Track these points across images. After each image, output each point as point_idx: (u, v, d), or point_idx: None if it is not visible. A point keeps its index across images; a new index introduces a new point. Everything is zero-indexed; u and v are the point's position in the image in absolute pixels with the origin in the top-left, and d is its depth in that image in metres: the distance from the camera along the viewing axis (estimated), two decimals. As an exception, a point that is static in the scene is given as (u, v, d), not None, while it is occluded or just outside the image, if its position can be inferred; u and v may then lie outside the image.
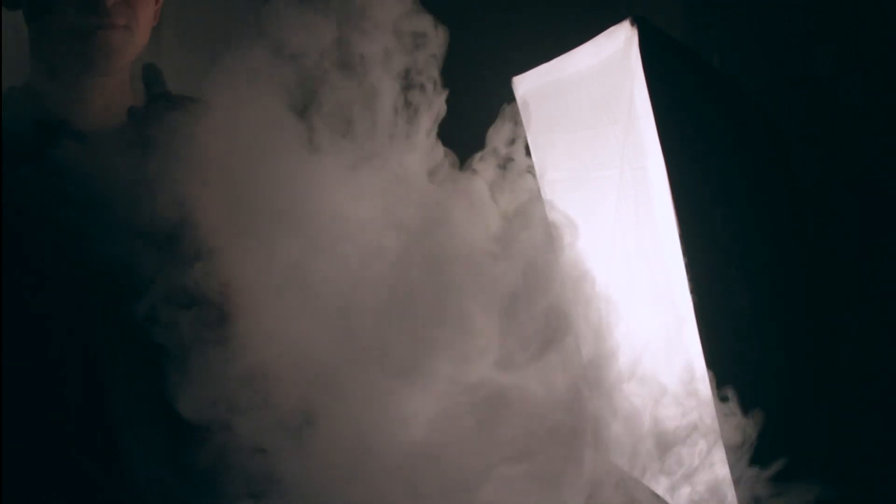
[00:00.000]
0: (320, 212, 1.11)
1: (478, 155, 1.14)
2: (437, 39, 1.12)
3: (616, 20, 1.04)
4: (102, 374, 1.15)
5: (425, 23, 1.11)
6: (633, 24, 1.00)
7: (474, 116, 1.23)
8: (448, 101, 1.19)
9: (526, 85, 1.36)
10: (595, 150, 1.18)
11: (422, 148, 1.13)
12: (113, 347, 1.16)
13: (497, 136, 1.15)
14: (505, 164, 1.15)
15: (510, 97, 1.38)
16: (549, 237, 1.12)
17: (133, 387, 1.16)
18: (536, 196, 1.15)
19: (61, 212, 1.14)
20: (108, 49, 1.16)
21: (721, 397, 1.00)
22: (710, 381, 0.99)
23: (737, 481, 1.01)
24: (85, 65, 1.18)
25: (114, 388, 1.15)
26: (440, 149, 1.14)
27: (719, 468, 1.03)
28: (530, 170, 1.16)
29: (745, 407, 1.00)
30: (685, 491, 1.14)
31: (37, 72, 1.21)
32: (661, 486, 1.21)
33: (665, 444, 1.09)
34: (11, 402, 1.11)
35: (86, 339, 1.15)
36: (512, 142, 1.15)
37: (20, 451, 1.11)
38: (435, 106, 1.13)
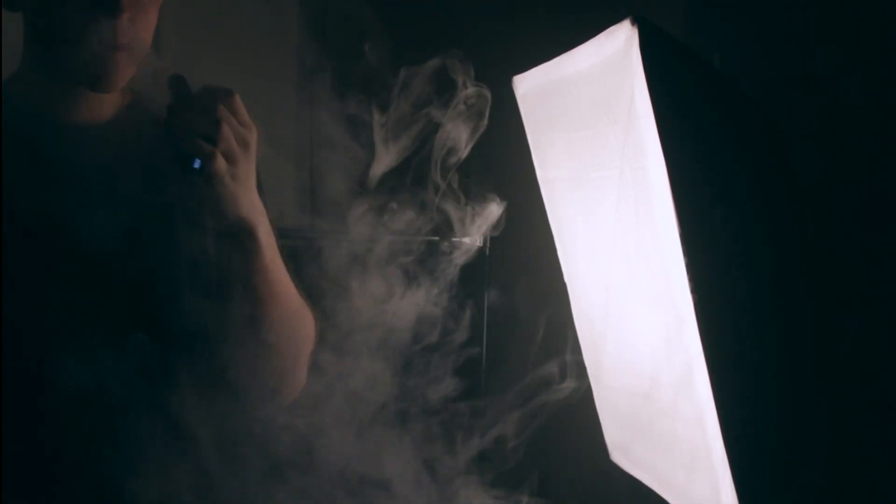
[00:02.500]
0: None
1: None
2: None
3: (616, 20, 1.04)
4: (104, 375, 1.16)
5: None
6: (633, 24, 1.00)
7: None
8: (447, 101, 1.19)
9: (526, 85, 1.36)
10: (595, 150, 1.18)
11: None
12: (102, 343, 1.16)
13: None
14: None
15: (510, 97, 1.38)
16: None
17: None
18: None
19: (56, 207, 1.15)
20: (115, 71, 1.15)
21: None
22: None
23: (737, 481, 1.01)
24: (90, 85, 1.17)
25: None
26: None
27: (719, 468, 1.03)
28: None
29: (746, 406, 1.00)
30: (683, 490, 1.14)
31: (31, 71, 1.21)
32: (658, 484, 1.21)
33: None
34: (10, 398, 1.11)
35: (77, 334, 1.15)
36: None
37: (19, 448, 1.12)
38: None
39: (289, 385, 1.26)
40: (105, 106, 1.22)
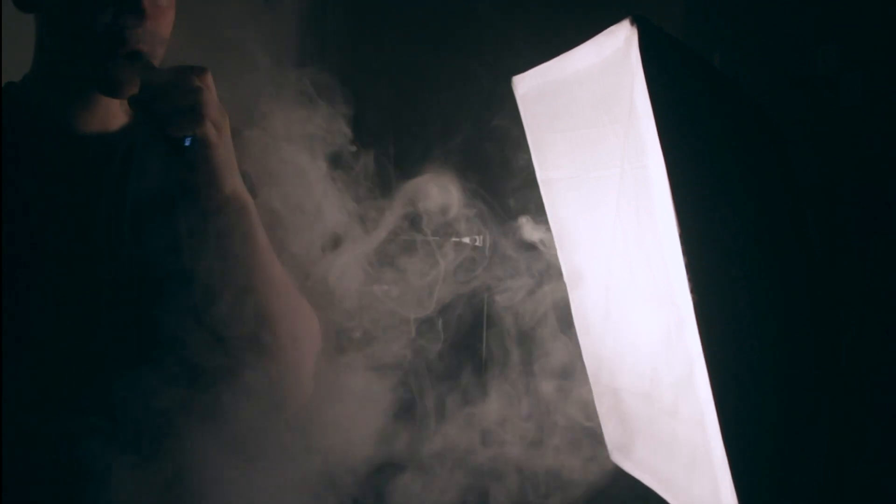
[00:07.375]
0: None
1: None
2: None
3: (616, 20, 1.04)
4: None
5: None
6: (632, 24, 1.00)
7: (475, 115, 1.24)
8: (448, 101, 1.19)
9: (526, 85, 1.36)
10: (595, 150, 1.18)
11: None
12: (111, 348, 1.16)
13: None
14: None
15: (510, 97, 1.38)
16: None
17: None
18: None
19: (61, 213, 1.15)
20: (130, 78, 1.15)
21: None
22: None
23: (737, 481, 1.01)
24: (103, 90, 1.18)
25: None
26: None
27: (719, 468, 1.03)
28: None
29: (746, 406, 1.00)
30: (684, 490, 1.14)
31: (42, 75, 1.20)
32: (658, 484, 1.21)
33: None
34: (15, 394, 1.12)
35: (82, 342, 1.15)
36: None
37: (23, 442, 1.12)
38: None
39: (294, 389, 1.23)
40: (111, 114, 1.23)
